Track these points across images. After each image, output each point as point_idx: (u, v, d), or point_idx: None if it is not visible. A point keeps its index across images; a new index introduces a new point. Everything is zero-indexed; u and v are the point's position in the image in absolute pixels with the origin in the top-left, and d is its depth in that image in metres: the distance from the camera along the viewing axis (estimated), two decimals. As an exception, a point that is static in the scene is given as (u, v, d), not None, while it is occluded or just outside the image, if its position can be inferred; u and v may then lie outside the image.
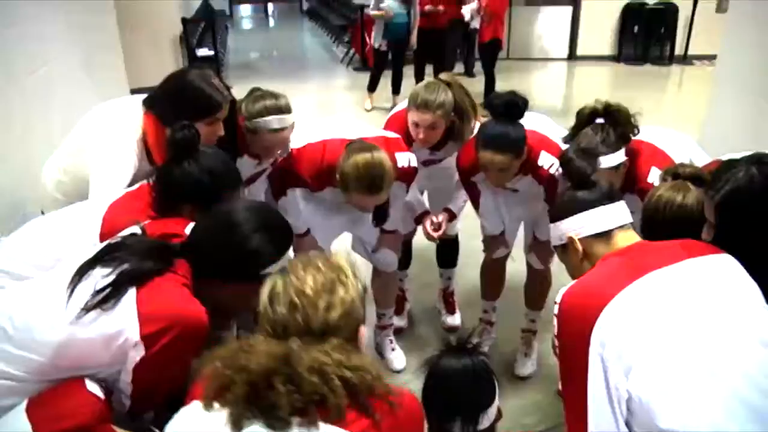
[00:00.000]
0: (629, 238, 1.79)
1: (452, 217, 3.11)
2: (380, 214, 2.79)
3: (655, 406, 1.40)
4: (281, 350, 1.25)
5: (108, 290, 1.55)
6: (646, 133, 2.50)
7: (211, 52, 9.85)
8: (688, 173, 2.00)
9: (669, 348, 1.45)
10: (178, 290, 1.61)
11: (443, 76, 2.84)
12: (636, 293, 1.54)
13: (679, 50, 11.14)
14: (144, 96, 2.42)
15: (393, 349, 3.29)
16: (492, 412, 1.77)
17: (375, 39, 7.98)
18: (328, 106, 8.89)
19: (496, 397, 1.79)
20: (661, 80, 10.37)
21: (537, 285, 3.17)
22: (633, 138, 2.43)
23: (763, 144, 3.48)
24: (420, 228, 3.11)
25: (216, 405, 1.23)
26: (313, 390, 1.20)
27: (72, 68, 3.98)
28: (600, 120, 2.36)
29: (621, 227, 1.81)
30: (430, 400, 1.75)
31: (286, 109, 2.59)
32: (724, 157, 2.24)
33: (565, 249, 1.88)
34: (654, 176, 2.28)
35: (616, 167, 2.31)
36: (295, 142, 2.69)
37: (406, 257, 3.52)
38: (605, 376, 1.48)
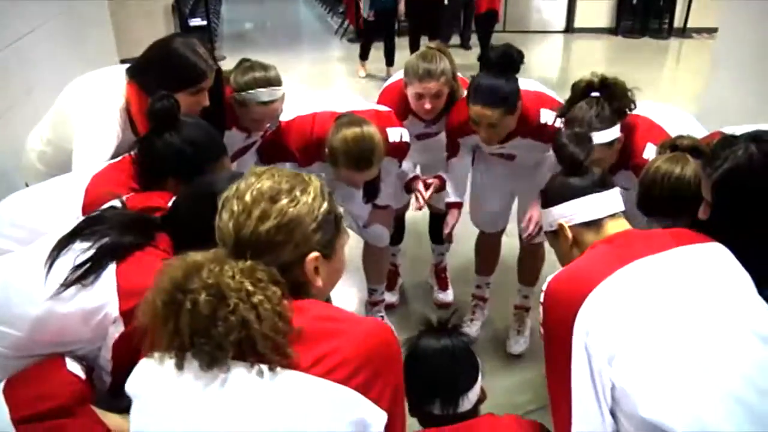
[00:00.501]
0: (620, 226, 1.75)
1: (443, 184, 3.01)
2: (371, 190, 2.72)
3: (637, 394, 1.37)
4: (194, 263, 1.17)
5: (87, 265, 1.50)
6: (643, 108, 2.44)
7: (204, 22, 9.72)
8: (687, 145, 1.95)
9: (654, 337, 1.42)
10: (159, 265, 1.56)
11: (433, 44, 2.76)
12: (621, 280, 1.51)
13: (678, 23, 11.03)
14: (127, 65, 2.36)
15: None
16: (473, 393, 1.74)
17: (363, 9, 7.94)
18: (322, 78, 8.79)
19: (479, 379, 1.77)
20: (659, 53, 10.26)
21: (531, 260, 3.13)
22: (629, 113, 2.37)
23: (761, 119, 3.43)
24: (413, 201, 3.05)
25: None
26: (205, 311, 1.11)
27: (57, 37, 3.89)
28: (596, 93, 2.30)
29: (612, 216, 1.77)
30: (409, 381, 1.71)
31: (275, 81, 2.52)
32: (726, 130, 2.19)
33: (555, 235, 1.84)
34: (650, 152, 2.22)
35: (610, 143, 2.25)
36: (285, 114, 2.63)
37: (398, 232, 3.48)
38: (589, 363, 1.45)
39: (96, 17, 5.24)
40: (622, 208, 1.79)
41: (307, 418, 1.10)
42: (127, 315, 1.47)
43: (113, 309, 1.49)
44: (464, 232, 3.49)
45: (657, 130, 2.34)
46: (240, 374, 1.12)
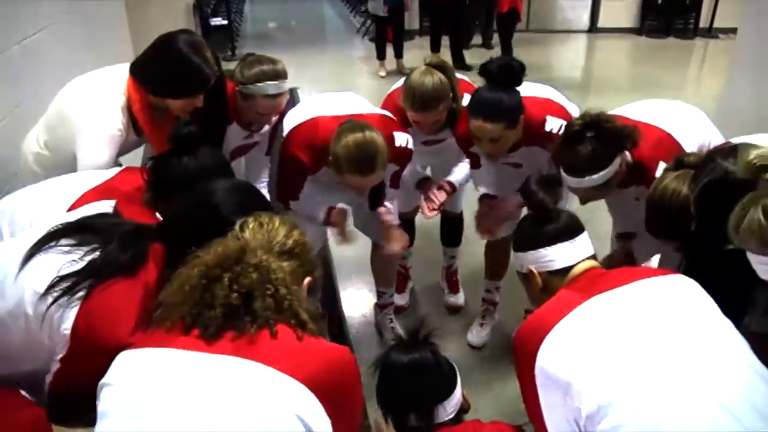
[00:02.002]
0: (585, 266, 1.74)
1: (453, 189, 2.99)
2: (375, 197, 2.68)
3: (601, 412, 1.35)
4: (239, 244, 1.37)
5: (72, 281, 1.47)
6: (655, 113, 2.39)
7: (225, 22, 9.75)
8: (693, 162, 1.90)
9: (618, 366, 1.39)
10: (126, 305, 1.52)
11: (432, 59, 2.68)
12: (578, 318, 1.50)
13: (704, 23, 10.86)
14: (128, 63, 2.34)
15: (393, 329, 3.22)
16: (451, 404, 1.73)
17: (373, 5, 7.96)
18: (343, 78, 8.78)
19: (457, 388, 1.76)
20: (684, 54, 10.09)
21: (498, 256, 3.10)
22: (641, 121, 2.32)
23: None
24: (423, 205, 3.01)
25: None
26: (249, 287, 1.29)
27: (68, 37, 3.88)
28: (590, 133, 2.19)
29: (582, 259, 1.75)
30: (382, 396, 1.77)
31: (283, 75, 2.51)
32: (735, 140, 2.14)
33: (526, 277, 1.83)
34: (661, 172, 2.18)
35: (606, 182, 2.20)
36: (288, 122, 2.61)
37: (408, 233, 3.43)
38: (563, 410, 1.45)
39: (112, 17, 5.23)
40: (592, 252, 1.78)
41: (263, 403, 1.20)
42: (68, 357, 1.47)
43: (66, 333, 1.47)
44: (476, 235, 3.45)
45: (667, 143, 2.28)
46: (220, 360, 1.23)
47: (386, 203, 2.79)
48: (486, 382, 2.97)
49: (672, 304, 1.51)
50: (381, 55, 8.47)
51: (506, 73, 2.35)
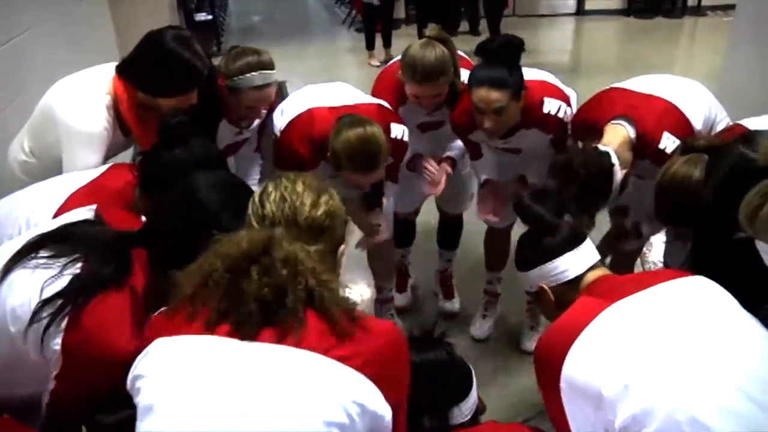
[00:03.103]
0: (597, 274, 1.69)
1: (454, 164, 2.90)
2: (374, 194, 2.60)
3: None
4: (264, 236, 1.26)
5: (58, 304, 1.40)
6: (659, 86, 2.34)
7: (210, 17, 9.63)
8: (702, 145, 1.85)
9: (651, 366, 1.34)
10: (119, 315, 1.46)
11: (432, 32, 2.60)
12: (604, 323, 1.45)
13: (691, 1, 10.79)
14: (114, 63, 2.28)
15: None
16: (467, 405, 1.68)
17: None
18: (331, 70, 8.67)
19: (473, 390, 1.71)
20: (673, 33, 10.00)
21: (498, 246, 3.06)
22: (644, 93, 2.29)
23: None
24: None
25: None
26: (280, 283, 1.20)
27: (54, 36, 3.80)
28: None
29: (590, 267, 1.70)
30: None
31: (269, 65, 2.45)
32: (745, 122, 2.10)
33: (537, 296, 1.77)
34: (667, 141, 2.12)
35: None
36: (280, 117, 2.54)
37: (408, 234, 3.38)
38: (592, 420, 1.40)
39: (96, 15, 5.14)
40: (598, 258, 1.73)
41: (315, 392, 1.16)
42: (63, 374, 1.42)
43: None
44: (473, 231, 3.39)
45: (673, 114, 2.23)
46: (266, 348, 1.18)
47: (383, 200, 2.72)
48: (492, 375, 2.93)
49: (695, 306, 1.45)
50: (370, 45, 8.36)
51: (506, 49, 2.30)
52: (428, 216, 3.53)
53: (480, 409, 1.75)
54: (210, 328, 1.19)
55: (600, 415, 1.36)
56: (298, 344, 1.17)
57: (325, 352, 1.17)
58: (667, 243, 2.52)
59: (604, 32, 10.37)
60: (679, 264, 2.37)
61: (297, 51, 9.26)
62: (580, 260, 1.69)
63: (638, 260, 3.39)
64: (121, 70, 2.22)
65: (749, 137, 1.62)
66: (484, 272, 3.24)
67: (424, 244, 3.65)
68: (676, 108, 2.24)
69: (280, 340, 1.17)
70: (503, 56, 2.31)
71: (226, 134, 2.60)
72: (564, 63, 8.58)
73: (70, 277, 1.43)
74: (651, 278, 1.57)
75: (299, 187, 1.39)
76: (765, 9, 3.86)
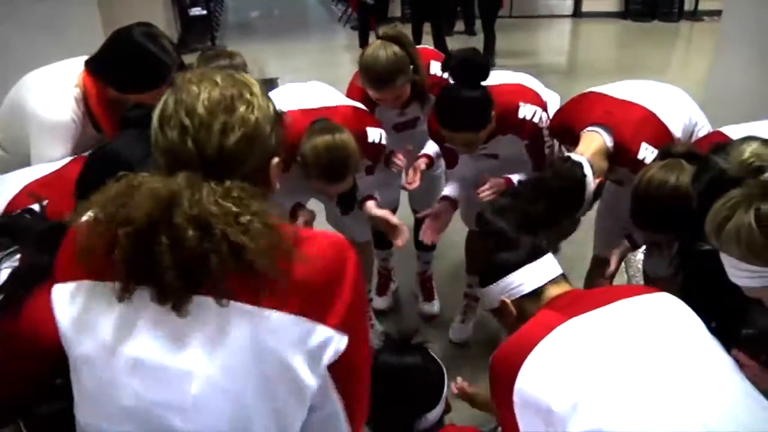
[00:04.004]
0: (561, 288, 1.69)
1: (431, 161, 2.83)
2: (346, 201, 2.55)
3: None
4: (166, 191, 1.03)
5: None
6: (638, 93, 2.31)
7: (204, 12, 9.60)
8: (680, 151, 1.83)
9: (604, 387, 1.31)
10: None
11: (387, 31, 2.53)
12: (558, 340, 1.42)
13: (688, 6, 10.81)
14: (84, 57, 2.25)
15: (372, 326, 3.12)
16: (433, 415, 1.67)
17: None
18: (326, 67, 8.64)
19: (441, 401, 1.70)
20: (669, 37, 10.03)
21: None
22: (623, 99, 2.25)
23: (766, 105, 3.28)
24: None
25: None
26: (193, 246, 1.00)
27: (35, 26, 3.76)
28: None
29: (552, 281, 1.69)
30: None
31: (241, 69, 2.39)
32: (725, 129, 2.07)
33: (500, 312, 1.76)
34: (645, 152, 2.09)
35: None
36: None
37: (382, 238, 3.33)
38: (535, 427, 1.38)
39: (83, 13, 5.08)
40: (560, 272, 1.72)
41: (264, 351, 1.04)
42: None
43: None
44: (454, 234, 3.35)
45: (651, 123, 2.20)
46: (199, 307, 1.04)
47: (370, 199, 2.65)
48: (470, 380, 2.89)
49: (656, 324, 1.43)
50: (364, 43, 8.29)
51: (468, 70, 2.22)
52: (411, 218, 3.50)
53: (445, 410, 1.74)
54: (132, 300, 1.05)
55: (550, 430, 1.33)
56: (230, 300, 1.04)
57: (257, 302, 1.04)
58: (646, 250, 2.49)
59: (600, 35, 10.37)
60: (659, 272, 2.36)
61: (292, 48, 9.23)
62: (539, 273, 1.69)
63: (623, 265, 3.37)
64: (89, 66, 2.19)
65: (722, 147, 1.58)
66: (464, 275, 3.21)
67: (406, 247, 3.60)
68: (654, 116, 2.21)
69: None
70: (466, 77, 2.23)
71: None
72: (560, 65, 8.57)
73: (9, 270, 1.41)
74: (613, 294, 1.55)
75: (204, 102, 1.08)
76: (751, 16, 3.85)
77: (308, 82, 2.66)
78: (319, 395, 1.11)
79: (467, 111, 2.23)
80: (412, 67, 2.52)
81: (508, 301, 1.70)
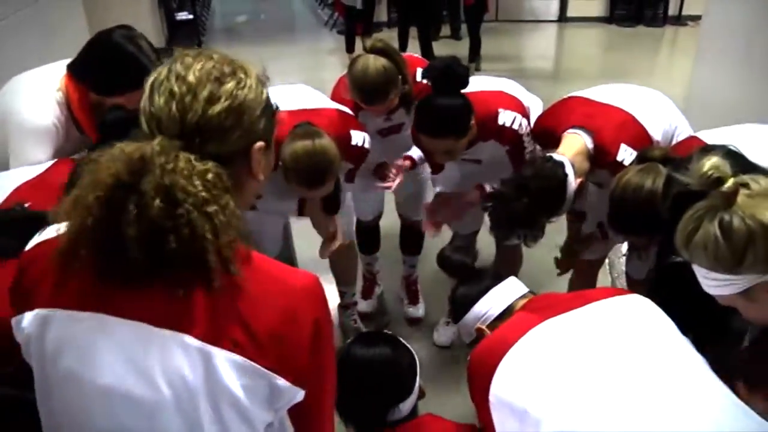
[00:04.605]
0: (530, 297, 1.76)
1: (414, 163, 2.84)
2: (330, 204, 2.54)
3: None
4: (138, 153, 0.99)
5: None
6: (619, 96, 2.34)
7: (191, 16, 9.59)
8: (657, 155, 1.85)
9: (573, 393, 1.33)
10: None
11: (374, 44, 2.52)
12: (532, 341, 1.45)
13: (673, 11, 10.86)
14: (67, 61, 2.25)
15: (357, 329, 3.13)
16: (406, 405, 1.69)
17: None
18: (313, 70, 8.65)
19: (414, 390, 1.72)
20: (654, 42, 10.09)
21: (508, 263, 2.95)
22: (605, 103, 2.28)
23: (747, 108, 3.32)
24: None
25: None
26: (156, 219, 0.96)
27: (26, 31, 3.75)
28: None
29: (520, 297, 1.76)
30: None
31: None
32: (700, 134, 2.10)
33: (479, 340, 1.76)
34: (624, 153, 2.11)
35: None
36: None
37: (374, 240, 3.35)
38: (511, 426, 1.40)
39: (68, 18, 5.07)
40: (525, 290, 1.79)
41: (218, 387, 1.02)
42: None
43: None
44: (440, 239, 3.36)
45: (631, 126, 2.23)
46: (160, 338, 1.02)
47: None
48: (455, 383, 2.89)
49: (629, 326, 1.45)
50: (350, 48, 8.33)
51: (447, 78, 2.24)
52: (396, 222, 3.51)
53: (420, 395, 1.76)
54: (94, 285, 1.02)
55: (527, 429, 1.34)
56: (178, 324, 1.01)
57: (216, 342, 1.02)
58: (628, 253, 2.51)
59: (586, 39, 10.42)
60: (640, 275, 2.38)
61: (278, 52, 9.23)
62: (504, 294, 1.76)
63: (607, 267, 3.39)
64: (71, 70, 2.19)
65: (683, 162, 1.61)
66: (449, 279, 3.21)
67: (392, 250, 3.62)
68: (634, 119, 2.23)
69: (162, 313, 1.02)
70: (446, 86, 2.25)
71: None
72: (546, 69, 8.61)
73: None
74: (588, 296, 1.57)
75: (196, 72, 1.06)
76: (731, 20, 3.89)
77: (294, 85, 2.67)
78: (277, 428, 1.13)
79: (446, 118, 2.25)
80: (400, 77, 2.52)
81: (483, 327, 1.74)
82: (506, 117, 2.37)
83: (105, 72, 2.15)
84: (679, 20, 10.72)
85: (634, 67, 8.07)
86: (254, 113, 1.10)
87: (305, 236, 3.42)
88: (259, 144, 1.12)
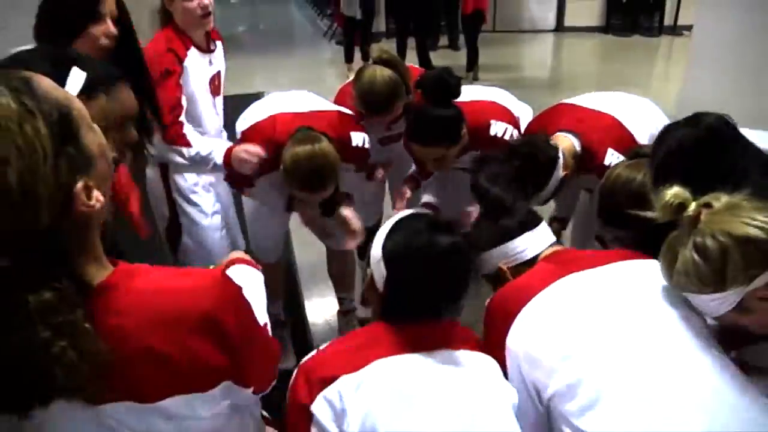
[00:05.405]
0: (556, 248, 1.73)
1: (417, 183, 2.87)
2: (328, 207, 2.58)
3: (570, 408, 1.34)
4: None
5: None
6: (606, 103, 2.40)
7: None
8: (647, 152, 1.89)
9: (588, 348, 1.38)
10: None
11: (381, 55, 2.58)
12: (557, 293, 1.48)
13: (668, 20, 10.96)
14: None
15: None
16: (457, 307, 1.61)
17: (347, 7, 7.90)
18: (312, 80, 8.71)
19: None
20: (650, 51, 10.19)
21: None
22: (592, 109, 2.35)
23: (737, 116, 3.36)
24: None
25: None
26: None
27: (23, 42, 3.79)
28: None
29: (549, 245, 1.74)
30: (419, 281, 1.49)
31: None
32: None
33: (495, 277, 1.77)
34: (611, 157, 2.17)
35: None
36: (242, 123, 2.54)
37: (366, 246, 3.37)
38: (522, 376, 1.44)
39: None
40: (553, 239, 1.76)
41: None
42: None
43: None
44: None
45: (617, 130, 2.29)
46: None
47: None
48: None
49: (646, 289, 1.47)
50: (349, 59, 8.41)
51: (440, 88, 2.29)
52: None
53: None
54: None
55: (537, 375, 1.40)
56: None
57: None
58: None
59: (582, 49, 10.50)
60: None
61: (278, 62, 9.31)
62: (538, 240, 1.71)
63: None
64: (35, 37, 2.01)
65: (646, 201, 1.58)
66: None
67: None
68: (621, 124, 2.29)
69: None
70: (437, 95, 2.30)
71: (200, 68, 2.69)
72: (542, 78, 8.66)
73: None
74: (611, 256, 1.59)
75: None
76: (721, 29, 3.96)
77: (296, 91, 2.71)
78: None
79: (437, 127, 2.30)
80: (404, 87, 2.58)
81: (505, 267, 1.71)
82: (498, 128, 2.42)
83: (51, 15, 1.97)
84: (675, 30, 10.81)
85: (630, 77, 8.14)
86: (39, 170, 0.85)
87: (304, 243, 3.48)
88: (79, 185, 0.90)
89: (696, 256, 1.29)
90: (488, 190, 1.79)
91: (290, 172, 2.25)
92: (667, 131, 1.69)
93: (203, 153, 2.55)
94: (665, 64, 9.90)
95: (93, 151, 0.95)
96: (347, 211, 2.58)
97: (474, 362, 1.46)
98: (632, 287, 1.49)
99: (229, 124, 2.80)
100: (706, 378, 1.31)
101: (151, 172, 2.77)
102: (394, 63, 2.56)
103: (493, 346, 1.52)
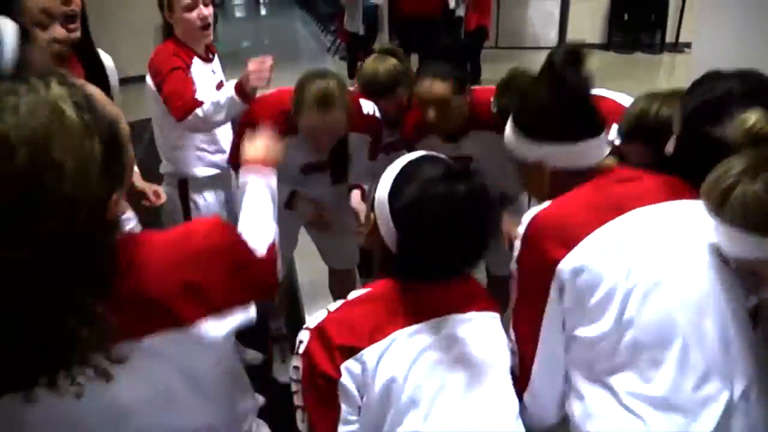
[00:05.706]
0: (608, 163, 1.60)
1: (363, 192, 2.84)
2: (338, 167, 2.59)
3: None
4: None
5: None
6: (607, 93, 2.48)
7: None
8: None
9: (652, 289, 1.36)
10: None
11: (384, 45, 2.72)
12: (615, 232, 1.40)
13: (670, 38, 10.99)
14: None
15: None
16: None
17: (351, 23, 7.95)
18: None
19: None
20: (652, 68, 10.23)
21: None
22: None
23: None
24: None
25: None
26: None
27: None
28: None
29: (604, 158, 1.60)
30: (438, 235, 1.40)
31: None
32: None
33: (526, 168, 1.63)
34: (614, 135, 2.16)
35: None
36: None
37: (369, 264, 3.38)
38: (563, 310, 1.43)
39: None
40: (606, 153, 1.61)
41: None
42: None
43: None
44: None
45: (620, 111, 2.28)
46: None
47: (358, 188, 2.71)
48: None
49: (703, 237, 1.40)
50: (352, 74, 8.43)
51: (449, 52, 2.41)
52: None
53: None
54: None
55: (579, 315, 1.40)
56: None
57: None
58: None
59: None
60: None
61: (282, 77, 9.27)
62: (594, 152, 1.56)
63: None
64: None
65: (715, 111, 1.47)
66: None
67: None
68: (623, 107, 2.30)
69: None
70: (446, 57, 2.43)
71: (202, 73, 2.75)
72: (544, 95, 8.67)
73: None
74: (663, 190, 1.49)
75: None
76: (721, 46, 3.98)
77: None
78: None
79: (452, 66, 2.39)
80: (407, 77, 2.65)
81: (548, 167, 1.56)
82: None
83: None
84: (676, 47, 10.84)
85: (632, 93, 8.11)
86: (89, 180, 0.96)
87: (305, 259, 3.49)
88: (114, 198, 1.03)
89: (763, 193, 1.19)
90: (562, 70, 1.64)
91: (300, 92, 2.30)
92: (712, 78, 1.55)
93: (215, 99, 2.56)
94: (667, 80, 9.92)
95: (128, 167, 1.09)
96: (356, 200, 2.61)
97: (484, 327, 1.46)
98: (690, 233, 1.42)
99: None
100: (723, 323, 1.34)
101: (170, 191, 2.79)
102: (397, 54, 2.67)
103: (536, 268, 1.46)
